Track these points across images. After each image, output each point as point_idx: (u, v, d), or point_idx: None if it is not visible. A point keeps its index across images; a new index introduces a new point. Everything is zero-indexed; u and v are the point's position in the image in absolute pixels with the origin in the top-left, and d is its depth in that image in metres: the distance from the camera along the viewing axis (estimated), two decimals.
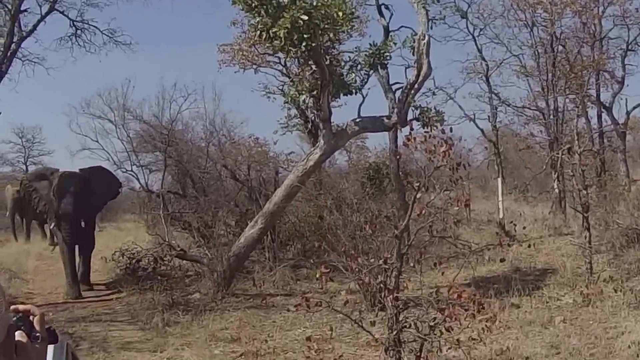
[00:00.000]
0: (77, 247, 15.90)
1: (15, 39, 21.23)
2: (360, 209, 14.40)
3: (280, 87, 20.58)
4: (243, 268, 14.83)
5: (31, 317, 1.77)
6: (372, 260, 9.38)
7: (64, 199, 15.71)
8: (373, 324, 8.35)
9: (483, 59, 25.91)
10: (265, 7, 11.78)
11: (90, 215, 16.82)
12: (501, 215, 18.89)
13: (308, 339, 8.72)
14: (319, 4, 11.79)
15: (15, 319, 1.74)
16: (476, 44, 25.74)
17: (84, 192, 15.86)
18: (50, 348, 2.05)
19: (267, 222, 14.08)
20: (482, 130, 26.90)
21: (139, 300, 13.56)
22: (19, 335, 1.73)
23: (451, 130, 9.73)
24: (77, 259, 15.90)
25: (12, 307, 1.75)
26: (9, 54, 20.99)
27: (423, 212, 8.17)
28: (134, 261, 15.38)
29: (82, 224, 16.26)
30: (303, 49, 11.98)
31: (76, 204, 15.62)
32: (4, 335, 1.64)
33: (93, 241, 16.88)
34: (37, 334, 1.76)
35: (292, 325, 11.19)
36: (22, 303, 1.79)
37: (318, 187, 18.02)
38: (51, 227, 16.49)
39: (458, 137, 11.29)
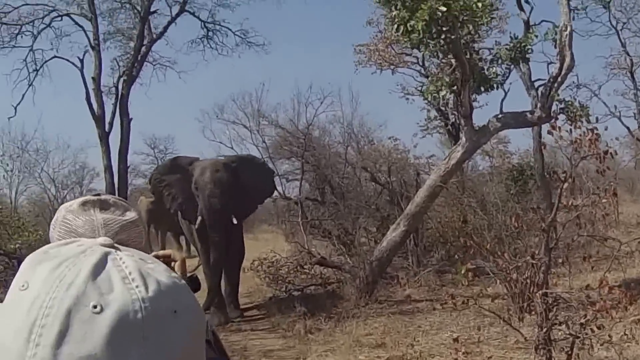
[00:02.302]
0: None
1: (145, 42, 22.42)
2: (505, 209, 14.55)
3: (419, 88, 20.87)
4: (386, 274, 15.05)
5: (172, 263, 1.88)
6: (518, 258, 9.65)
7: (210, 194, 13.42)
8: (521, 319, 8.63)
9: (627, 53, 25.48)
10: None
11: (241, 217, 14.18)
12: None
13: (455, 340, 8.93)
14: None
15: None
16: (619, 38, 25.42)
17: (234, 186, 13.61)
18: None
19: (410, 224, 14.22)
20: (628, 128, 26.48)
21: (279, 308, 13.87)
22: None
23: (597, 120, 9.85)
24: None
25: (153, 253, 1.83)
26: (139, 57, 22.18)
27: (570, 204, 8.42)
28: (273, 269, 15.62)
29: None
30: (442, 42, 12.19)
31: (226, 202, 13.38)
32: None
33: (243, 250, 14.73)
34: None
35: (438, 329, 11.34)
36: None
37: (461, 191, 18.21)
38: (195, 227, 13.83)
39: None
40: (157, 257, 1.77)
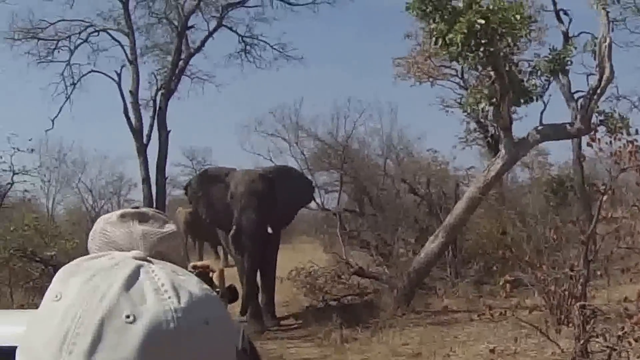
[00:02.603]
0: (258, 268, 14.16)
1: (183, 56, 22.66)
2: (544, 221, 14.48)
3: (458, 100, 20.86)
4: (424, 284, 15.10)
5: (210, 274, 1.96)
6: (557, 270, 9.63)
7: (245, 205, 13.57)
8: (558, 331, 8.60)
9: None
10: (440, 12, 12.09)
11: (277, 227, 14.11)
12: None
13: (492, 351, 8.96)
14: (496, 7, 11.94)
15: (194, 274, 1.96)
16: None
17: (270, 196, 13.71)
18: None
19: (449, 235, 14.27)
20: None
21: (316, 317, 13.93)
22: None
23: (637, 132, 9.79)
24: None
25: (191, 264, 1.94)
26: (177, 71, 22.41)
27: (609, 215, 8.39)
28: (310, 279, 15.64)
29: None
30: (481, 54, 12.25)
31: (261, 212, 13.45)
32: None
33: (275, 261, 14.84)
34: (217, 290, 1.88)
35: (475, 340, 11.34)
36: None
37: (500, 202, 18.15)
38: (229, 236, 13.85)
39: None
40: (195, 267, 1.94)
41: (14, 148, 15.31)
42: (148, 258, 1.03)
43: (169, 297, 0.94)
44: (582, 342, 7.99)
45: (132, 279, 0.95)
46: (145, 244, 1.66)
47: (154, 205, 20.07)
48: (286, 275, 15.65)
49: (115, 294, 0.92)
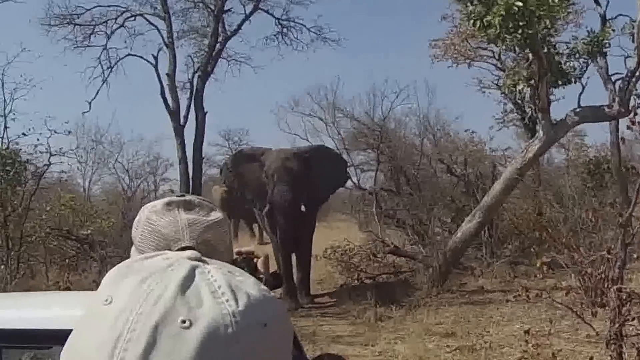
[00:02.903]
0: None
1: (219, 39, 22.73)
2: (581, 203, 14.42)
3: (495, 82, 20.74)
4: (459, 264, 15.13)
5: (255, 260, 1.91)
6: (593, 252, 9.59)
7: (278, 183, 13.77)
8: (594, 314, 8.58)
9: None
10: None
11: (312, 206, 14.26)
12: None
13: (526, 332, 8.94)
14: None
15: (239, 260, 1.86)
16: None
17: (305, 175, 13.84)
18: None
19: (485, 216, 14.28)
20: None
21: (350, 295, 14.02)
22: None
23: None
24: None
25: (236, 250, 1.88)
26: (213, 54, 22.51)
27: None
28: (346, 257, 15.74)
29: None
30: (519, 36, 12.20)
31: (295, 190, 13.59)
32: None
33: (311, 240, 14.92)
34: (261, 276, 1.87)
35: (509, 321, 11.34)
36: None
37: (537, 183, 18.05)
38: (263, 214, 14.25)
39: None
40: (240, 253, 1.89)
41: (50, 130, 15.45)
42: (203, 258, 0.99)
43: (227, 300, 0.90)
44: (617, 325, 7.94)
45: (188, 281, 0.91)
46: (191, 232, 1.66)
47: (190, 185, 20.24)
48: (321, 253, 15.81)
49: (171, 297, 0.88)
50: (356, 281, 15.25)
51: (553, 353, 8.60)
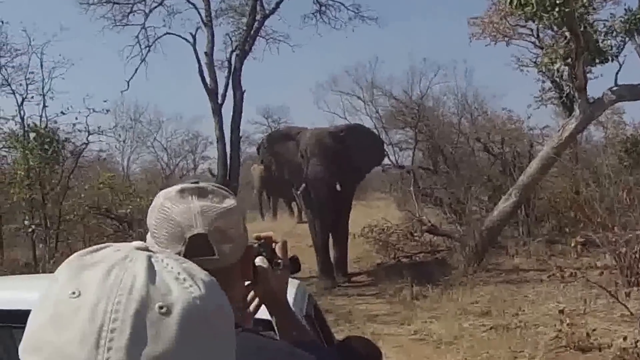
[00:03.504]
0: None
1: (258, 18, 22.70)
2: (617, 181, 14.29)
3: (534, 60, 20.52)
4: (496, 243, 15.05)
5: (273, 245, 1.90)
6: (629, 231, 9.53)
7: (313, 162, 13.81)
8: (628, 294, 8.53)
9: None
10: None
11: (348, 185, 14.16)
12: None
13: (561, 312, 8.94)
14: None
15: (257, 245, 1.86)
16: None
17: (340, 154, 13.79)
18: (293, 289, 2.31)
19: (521, 195, 14.20)
20: None
21: (387, 274, 13.99)
22: (259, 261, 1.84)
23: None
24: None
25: (254, 234, 1.88)
26: (252, 32, 22.48)
27: None
28: (383, 236, 15.77)
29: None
30: (556, 14, 12.09)
31: (330, 168, 13.59)
32: (241, 255, 1.73)
33: (348, 218, 14.92)
34: (279, 261, 1.88)
35: (544, 300, 11.20)
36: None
37: (574, 162, 17.90)
38: (298, 192, 14.43)
39: None
40: (258, 238, 1.88)
41: (89, 109, 15.55)
42: (149, 248, 1.01)
43: (190, 286, 0.94)
44: None
45: (152, 269, 0.94)
46: (204, 220, 1.66)
47: (228, 164, 20.30)
48: (359, 231, 15.74)
49: (143, 285, 0.90)
50: (393, 260, 15.31)
51: (587, 332, 8.60)
